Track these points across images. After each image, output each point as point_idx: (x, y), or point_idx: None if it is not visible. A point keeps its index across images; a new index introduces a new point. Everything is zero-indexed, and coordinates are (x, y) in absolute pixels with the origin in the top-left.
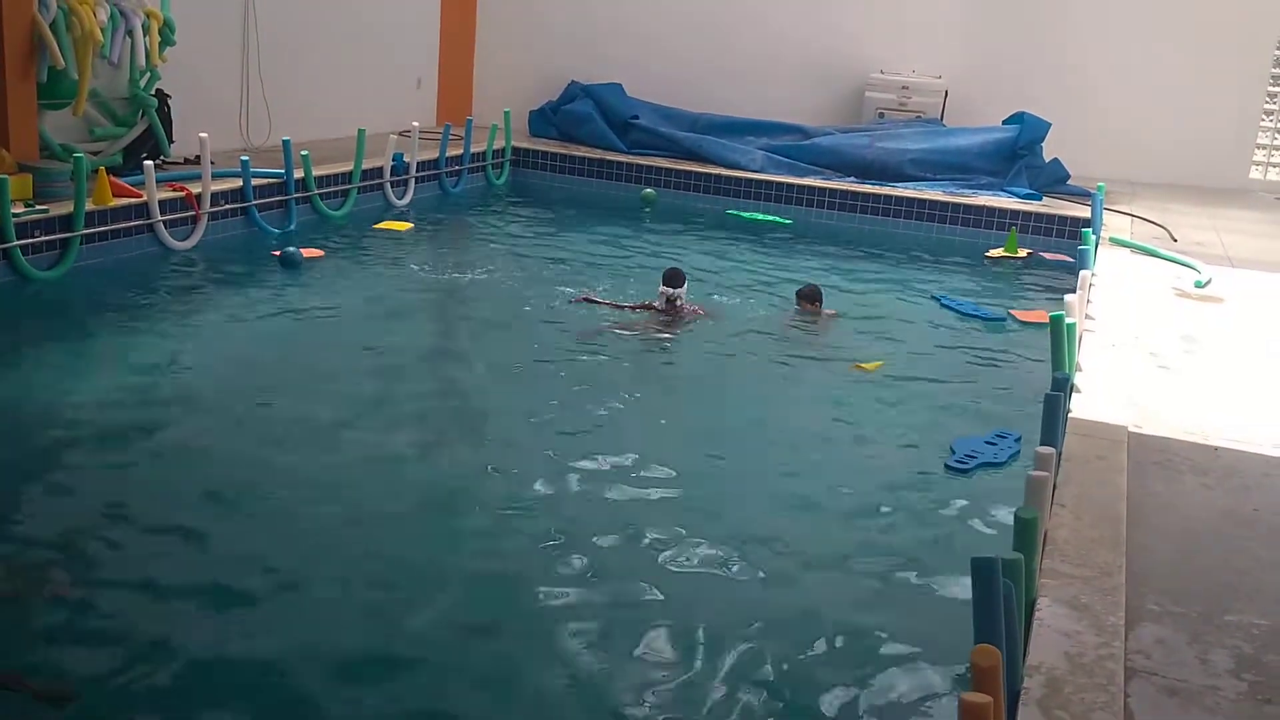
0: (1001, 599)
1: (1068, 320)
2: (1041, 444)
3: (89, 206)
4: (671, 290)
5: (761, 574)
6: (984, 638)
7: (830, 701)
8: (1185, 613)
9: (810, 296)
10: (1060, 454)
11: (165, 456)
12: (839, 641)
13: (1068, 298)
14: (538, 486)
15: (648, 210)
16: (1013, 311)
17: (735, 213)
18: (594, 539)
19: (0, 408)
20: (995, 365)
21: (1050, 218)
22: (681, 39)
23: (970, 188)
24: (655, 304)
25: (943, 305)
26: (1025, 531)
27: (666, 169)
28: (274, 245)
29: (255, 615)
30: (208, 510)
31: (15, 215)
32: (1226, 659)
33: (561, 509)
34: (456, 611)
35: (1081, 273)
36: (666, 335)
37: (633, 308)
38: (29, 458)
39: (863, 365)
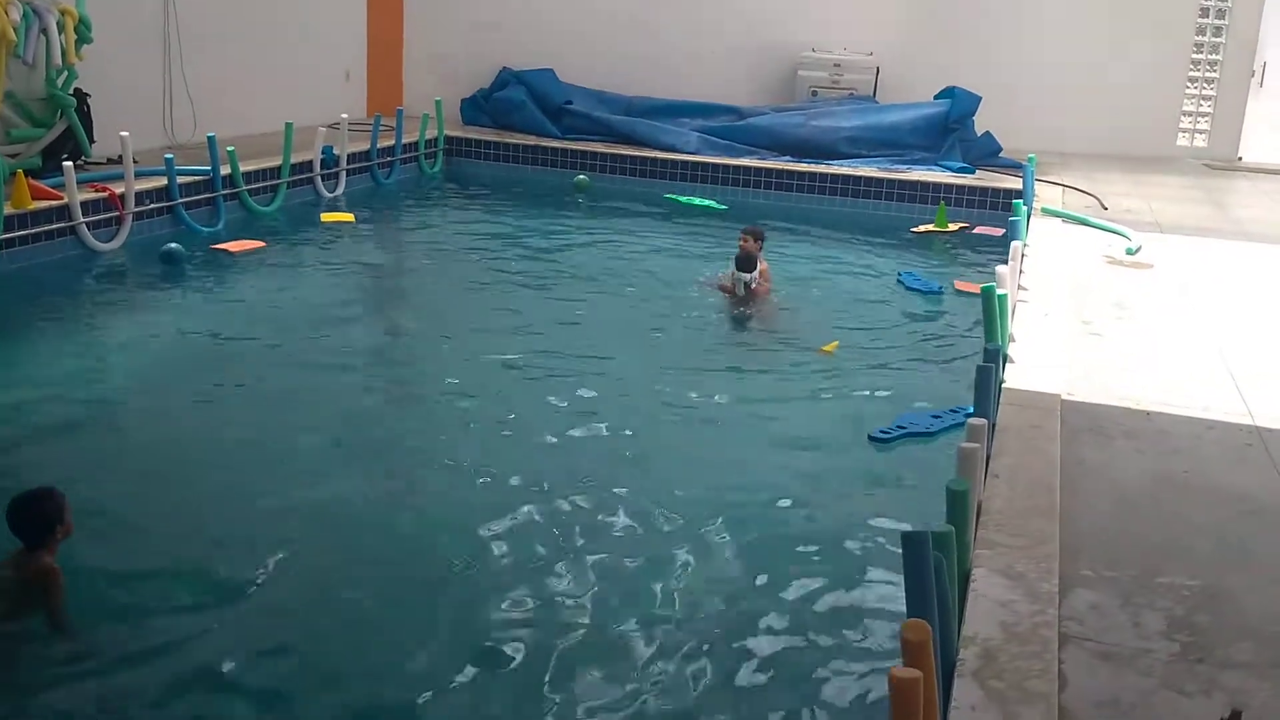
0: (932, 572)
1: (999, 291)
2: (975, 415)
3: (7, 210)
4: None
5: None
6: (916, 612)
7: (763, 677)
8: (1118, 577)
9: (755, 234)
10: (994, 424)
11: (92, 460)
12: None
13: (999, 269)
14: (488, 448)
15: (581, 196)
16: (956, 283)
17: (673, 197)
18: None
19: None
20: (940, 338)
21: (983, 190)
22: (614, 21)
23: (904, 163)
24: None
25: (899, 282)
26: (957, 503)
27: (601, 153)
28: (205, 242)
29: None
30: (142, 508)
31: None
32: (1159, 621)
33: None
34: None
35: (1013, 243)
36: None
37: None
38: None
39: (824, 349)
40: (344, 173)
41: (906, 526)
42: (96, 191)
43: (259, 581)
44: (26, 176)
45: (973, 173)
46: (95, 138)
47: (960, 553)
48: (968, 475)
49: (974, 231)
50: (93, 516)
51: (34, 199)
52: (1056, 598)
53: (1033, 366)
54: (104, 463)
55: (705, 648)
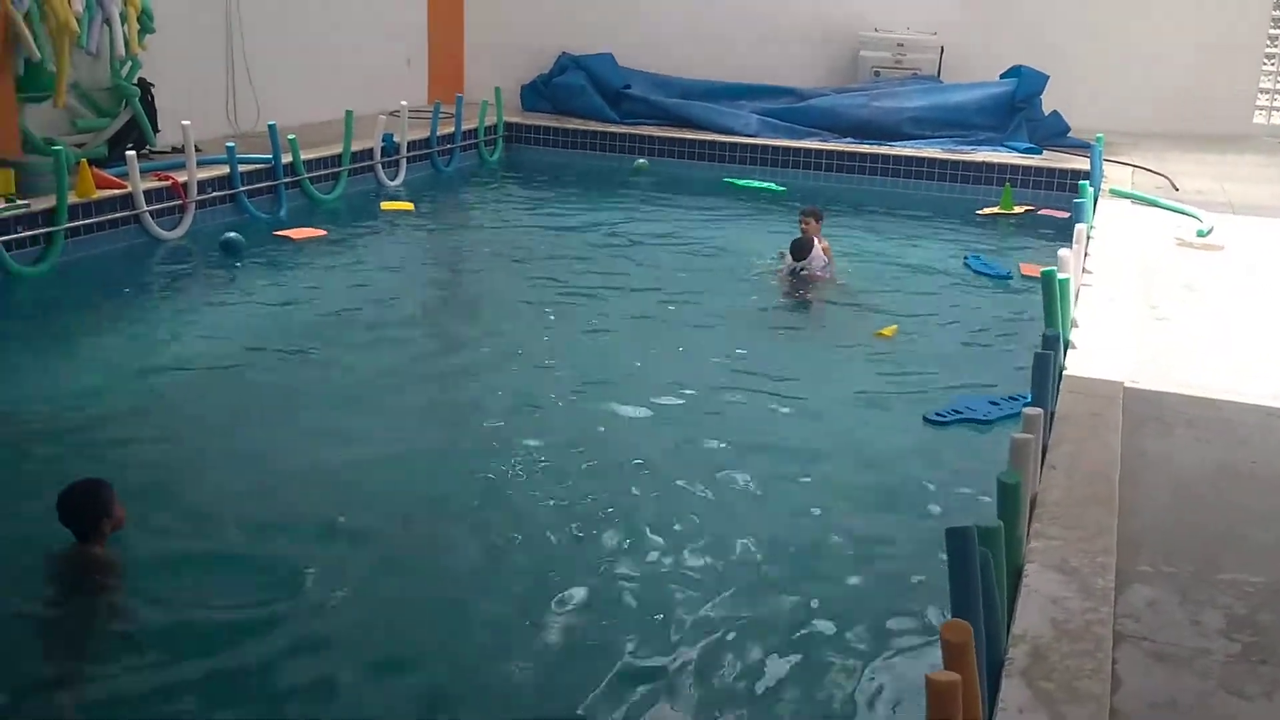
0: (978, 569)
1: (1060, 276)
2: (1033, 404)
3: (72, 200)
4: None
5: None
6: (960, 611)
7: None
8: (1177, 572)
9: (813, 214)
10: (1052, 413)
11: (166, 444)
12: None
13: (1061, 252)
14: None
15: (640, 180)
16: (1022, 267)
17: (732, 180)
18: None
19: None
20: (1004, 323)
21: (1050, 171)
22: (673, 5)
23: (969, 144)
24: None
25: (966, 265)
26: (1008, 496)
27: (659, 137)
28: (267, 230)
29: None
30: (214, 493)
31: None
32: (1219, 619)
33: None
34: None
35: (1077, 226)
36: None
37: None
38: (22, 454)
39: (882, 332)
40: (404, 161)
41: (958, 514)
42: (159, 180)
43: (320, 568)
44: (92, 166)
45: (1039, 153)
46: (160, 127)
47: (1012, 547)
48: (1020, 467)
49: (1040, 213)
50: (156, 501)
51: (98, 188)
52: (1112, 594)
53: (1095, 353)
54: (167, 449)
55: (746, 633)
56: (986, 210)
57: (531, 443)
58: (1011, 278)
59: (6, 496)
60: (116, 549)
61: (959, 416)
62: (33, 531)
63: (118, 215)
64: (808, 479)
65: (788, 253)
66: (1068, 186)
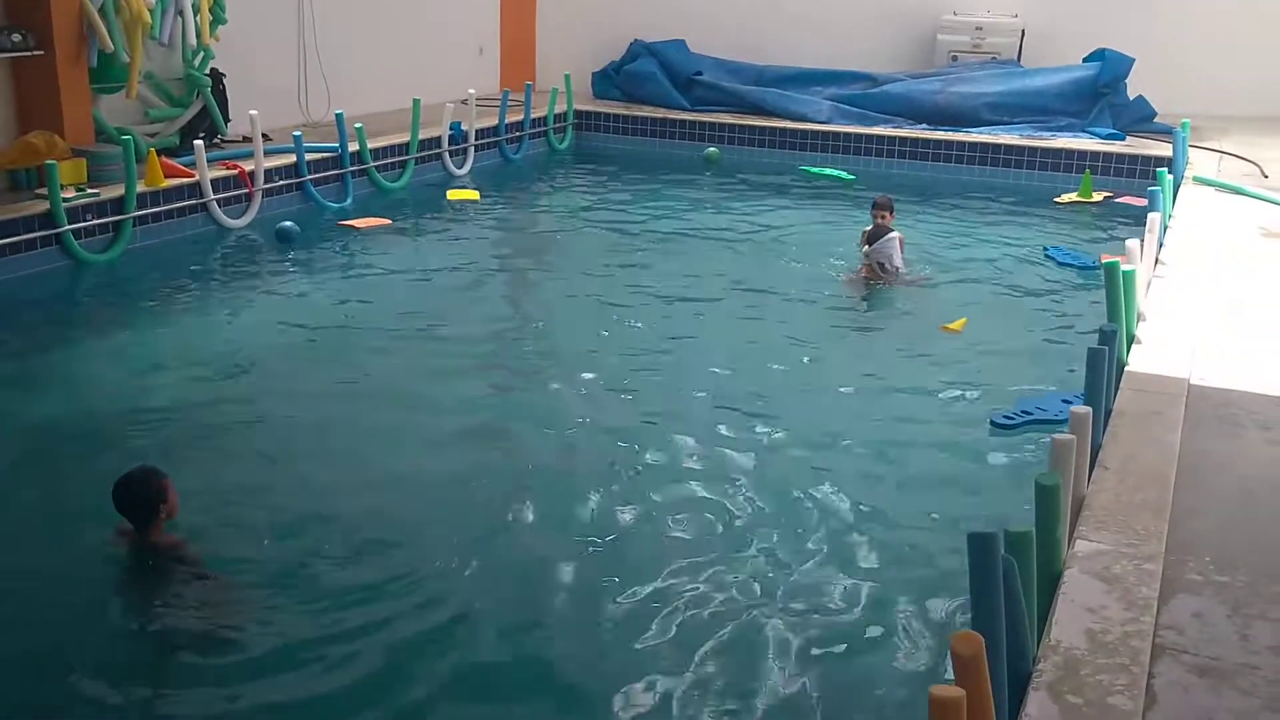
0: (1000, 577)
1: (1125, 267)
2: (1085, 402)
3: (141, 188)
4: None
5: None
6: (981, 620)
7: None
8: (1229, 582)
9: (886, 206)
10: (1109, 411)
11: (237, 431)
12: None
13: (1129, 242)
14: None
15: (710, 169)
16: (1103, 257)
17: (806, 169)
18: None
19: (65, 389)
20: (1082, 317)
21: (1132, 158)
22: None
23: (1049, 130)
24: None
25: (1048, 257)
26: (1046, 499)
27: (730, 124)
28: (332, 218)
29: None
30: (287, 476)
31: (66, 200)
32: (1270, 634)
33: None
34: None
35: (1150, 215)
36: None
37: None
38: (88, 438)
39: (949, 326)
40: (472, 149)
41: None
42: (227, 169)
43: (375, 555)
44: (161, 155)
45: (1122, 139)
46: (231, 116)
47: (1050, 552)
48: (1060, 468)
49: (1118, 200)
50: (220, 489)
51: (167, 177)
52: (1154, 604)
53: (1161, 348)
54: (231, 437)
55: (794, 631)
56: (1065, 198)
57: (591, 433)
58: (1098, 268)
59: (72, 481)
60: (174, 535)
61: (1029, 418)
62: (98, 515)
63: (185, 204)
64: (862, 482)
65: (863, 242)
66: (1150, 174)
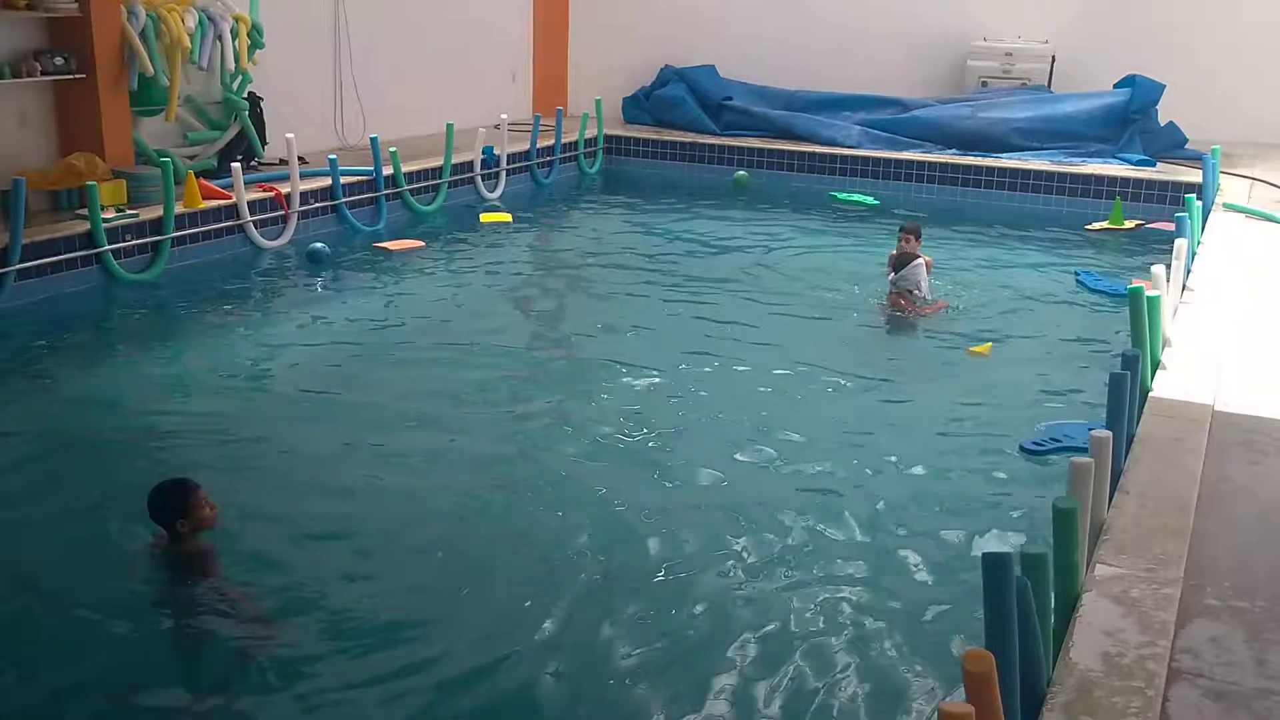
0: (1014, 597)
1: (1150, 293)
2: (1107, 427)
3: (179, 209)
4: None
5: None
6: (994, 640)
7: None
8: (1248, 608)
9: (914, 231)
10: (1131, 436)
11: (269, 448)
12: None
13: (1155, 268)
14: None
15: (741, 193)
16: (1135, 283)
17: (835, 194)
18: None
19: (104, 401)
20: (1111, 344)
21: (1162, 184)
22: (775, 16)
23: (1079, 156)
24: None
25: (1079, 283)
26: (1064, 522)
27: (760, 149)
28: (366, 240)
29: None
30: (311, 493)
31: (106, 220)
32: None
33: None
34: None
35: (1177, 241)
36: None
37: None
38: (123, 451)
39: (976, 350)
40: (504, 173)
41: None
42: (263, 191)
43: (394, 577)
44: (199, 177)
45: (1153, 165)
46: (268, 140)
47: (1069, 575)
48: (1079, 492)
49: (1149, 226)
50: (249, 502)
51: (204, 199)
52: (1171, 628)
53: (1185, 374)
54: (258, 455)
55: (815, 652)
56: (1096, 225)
57: (619, 455)
58: (1111, 289)
59: (109, 491)
60: (208, 544)
61: (1058, 445)
62: (132, 525)
63: (222, 225)
64: (888, 503)
65: (890, 268)
66: (1181, 200)
